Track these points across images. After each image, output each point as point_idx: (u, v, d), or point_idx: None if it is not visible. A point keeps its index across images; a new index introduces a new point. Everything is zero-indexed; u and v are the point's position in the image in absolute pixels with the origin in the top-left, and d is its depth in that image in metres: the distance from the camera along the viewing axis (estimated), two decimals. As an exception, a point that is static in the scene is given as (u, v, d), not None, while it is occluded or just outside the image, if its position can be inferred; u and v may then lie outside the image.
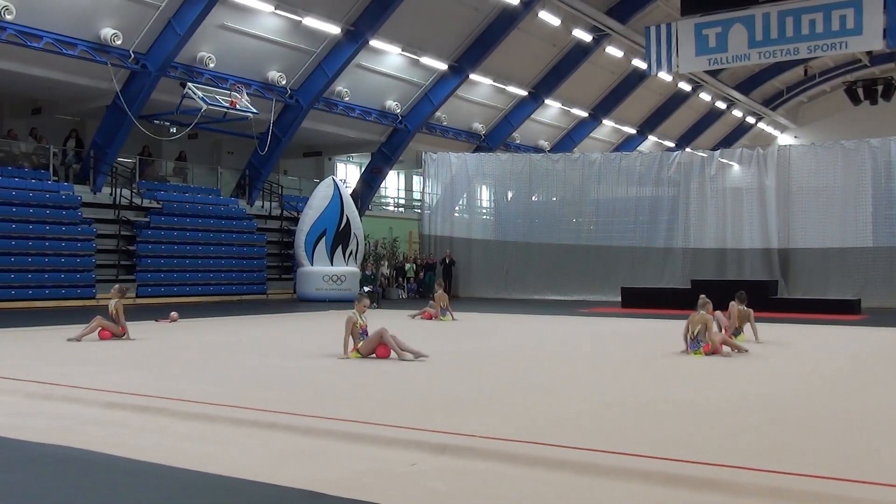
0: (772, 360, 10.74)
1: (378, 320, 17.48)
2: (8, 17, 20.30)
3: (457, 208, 31.92)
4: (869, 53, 39.09)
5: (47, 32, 21.45)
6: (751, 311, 12.99)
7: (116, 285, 13.25)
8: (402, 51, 29.20)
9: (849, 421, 6.73)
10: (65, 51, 21.89)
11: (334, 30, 26.43)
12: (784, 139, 52.32)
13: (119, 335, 12.71)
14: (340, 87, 28.96)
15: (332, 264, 26.81)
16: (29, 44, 21.16)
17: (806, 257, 25.56)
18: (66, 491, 4.79)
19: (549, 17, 30.72)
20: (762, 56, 25.25)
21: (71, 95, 24.61)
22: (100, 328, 12.63)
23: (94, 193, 24.67)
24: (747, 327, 12.90)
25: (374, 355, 10.37)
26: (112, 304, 12.79)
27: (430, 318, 18.00)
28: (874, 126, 37.45)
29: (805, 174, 26.01)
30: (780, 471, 4.88)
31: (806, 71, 45.03)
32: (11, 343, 12.52)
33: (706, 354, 10.77)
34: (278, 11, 24.89)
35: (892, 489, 4.57)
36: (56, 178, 24.27)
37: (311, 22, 25.69)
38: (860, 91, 39.71)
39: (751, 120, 51.21)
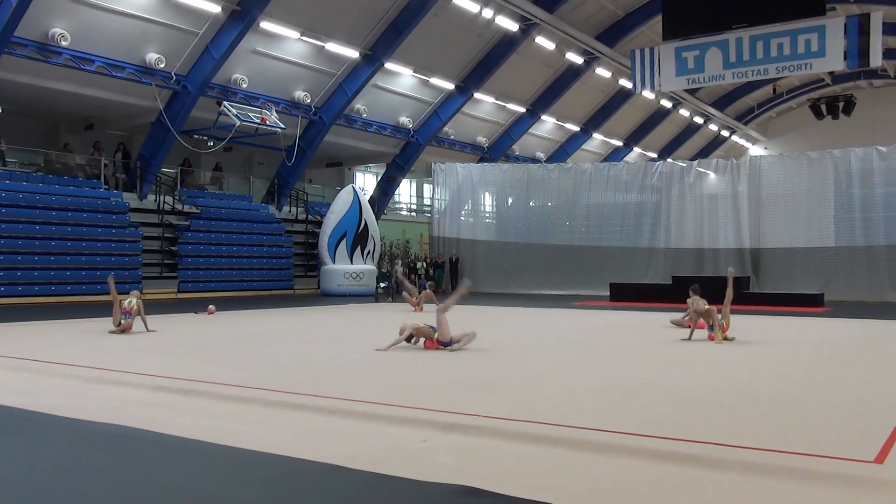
0: (746, 349, 10.71)
1: (396, 315, 17.52)
2: (64, 44, 20.40)
3: (463, 213, 31.88)
4: (831, 73, 38.84)
5: (99, 57, 21.52)
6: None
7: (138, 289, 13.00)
8: (414, 72, 29.20)
9: (815, 402, 6.72)
10: (114, 73, 21.95)
11: (353, 54, 26.45)
12: (755, 150, 52.11)
13: (126, 329, 12.27)
14: (359, 104, 28.99)
15: (351, 263, 26.82)
16: (82, 67, 21.24)
17: (775, 256, 25.46)
18: (117, 464, 4.80)
19: (544, 42, 30.68)
20: (735, 76, 25.13)
21: (120, 113, 24.68)
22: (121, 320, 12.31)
23: (141, 200, 24.74)
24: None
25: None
26: (135, 301, 12.63)
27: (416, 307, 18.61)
28: (836, 138, 37.30)
29: (774, 182, 25.89)
30: (755, 447, 4.87)
31: (774, 89, 44.89)
32: (68, 333, 12.56)
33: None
34: (304, 38, 24.92)
35: (853, 463, 4.56)
36: (107, 187, 24.33)
37: (332, 47, 25.72)
38: (823, 107, 39.49)
39: (725, 133, 51.04)
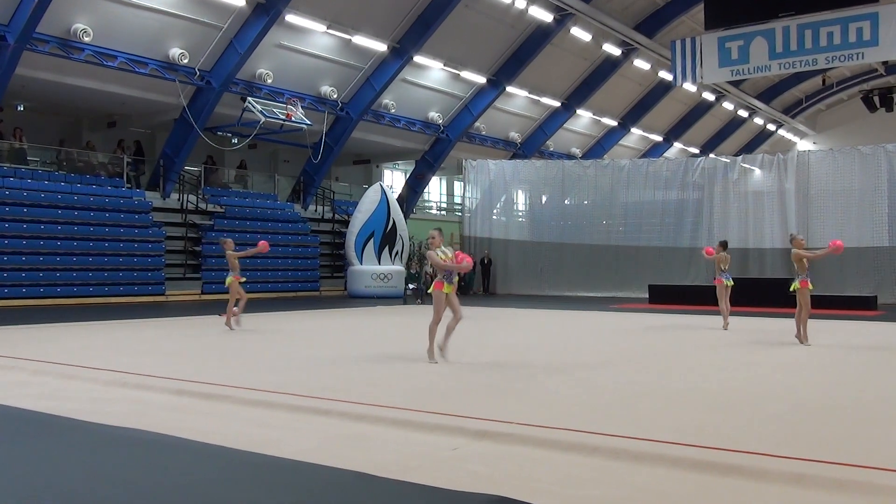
0: (792, 353, 10.57)
1: (420, 316, 17.54)
2: (86, 39, 20.72)
3: (495, 211, 31.83)
4: (885, 63, 38.23)
5: (121, 53, 21.83)
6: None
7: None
8: (444, 66, 29.23)
9: (866, 410, 6.60)
10: (137, 69, 22.25)
11: (381, 47, 26.53)
12: (803, 145, 51.40)
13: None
14: (387, 100, 29.08)
15: (379, 263, 26.91)
16: (105, 63, 21.55)
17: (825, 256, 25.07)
18: (140, 469, 4.86)
19: (580, 33, 30.53)
20: (782, 67, 24.82)
21: (143, 110, 25.01)
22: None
23: (164, 199, 25.04)
24: None
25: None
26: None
27: None
28: (890, 132, 36.61)
29: (823, 178, 25.51)
30: (802, 458, 4.80)
31: (824, 80, 44.14)
32: (90, 335, 12.75)
33: None
34: (330, 31, 25.06)
35: (909, 476, 4.48)
36: (129, 186, 24.67)
37: (360, 40, 25.83)
38: (876, 99, 38.76)
39: (771, 127, 50.38)
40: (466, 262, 9.45)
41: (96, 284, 21.82)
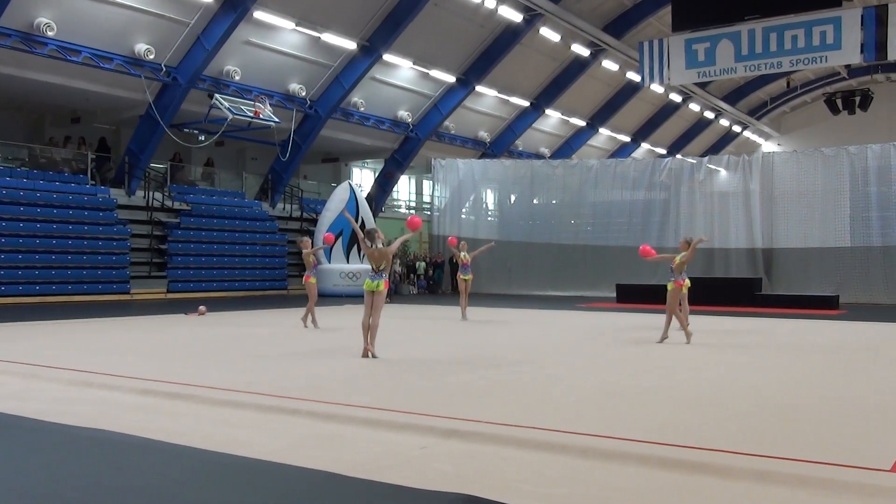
0: (757, 352, 10.72)
1: (386, 316, 17.52)
2: (49, 34, 20.40)
3: (464, 210, 31.90)
4: (847, 66, 38.90)
5: (86, 48, 21.52)
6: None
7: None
8: (414, 64, 29.20)
9: (830, 408, 6.72)
10: (102, 65, 21.95)
11: (350, 45, 26.44)
12: (768, 147, 52.10)
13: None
14: (356, 98, 28.99)
15: (348, 262, 26.85)
16: (69, 58, 21.23)
17: (788, 256, 25.48)
18: (105, 471, 4.81)
19: (549, 34, 30.66)
20: (748, 69, 25.12)
21: (107, 106, 24.68)
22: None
23: (129, 196, 24.74)
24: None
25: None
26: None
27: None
28: (852, 134, 37.29)
29: (787, 179, 25.92)
30: (767, 455, 4.88)
31: (788, 83, 44.83)
32: (53, 334, 12.57)
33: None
34: (299, 28, 24.91)
35: (868, 472, 4.57)
36: (93, 183, 24.33)
37: (329, 38, 25.71)
38: (839, 102, 39.43)
39: (737, 129, 51.02)
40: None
41: (60, 283, 21.50)
